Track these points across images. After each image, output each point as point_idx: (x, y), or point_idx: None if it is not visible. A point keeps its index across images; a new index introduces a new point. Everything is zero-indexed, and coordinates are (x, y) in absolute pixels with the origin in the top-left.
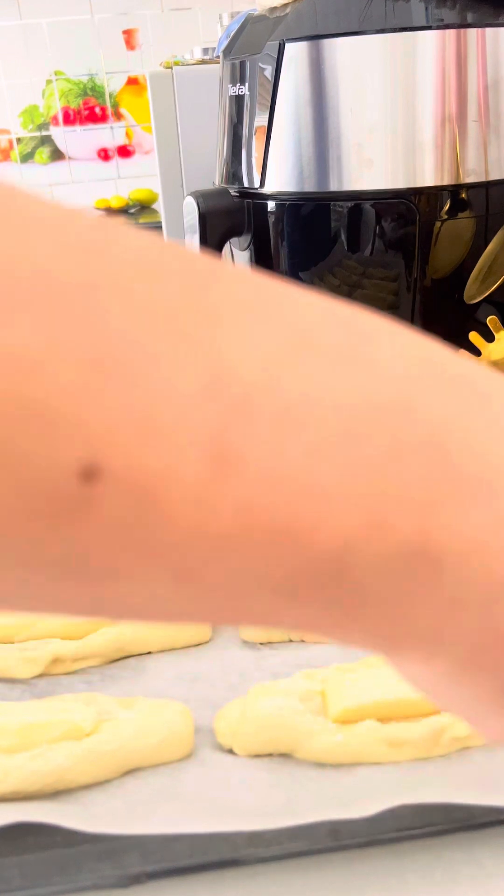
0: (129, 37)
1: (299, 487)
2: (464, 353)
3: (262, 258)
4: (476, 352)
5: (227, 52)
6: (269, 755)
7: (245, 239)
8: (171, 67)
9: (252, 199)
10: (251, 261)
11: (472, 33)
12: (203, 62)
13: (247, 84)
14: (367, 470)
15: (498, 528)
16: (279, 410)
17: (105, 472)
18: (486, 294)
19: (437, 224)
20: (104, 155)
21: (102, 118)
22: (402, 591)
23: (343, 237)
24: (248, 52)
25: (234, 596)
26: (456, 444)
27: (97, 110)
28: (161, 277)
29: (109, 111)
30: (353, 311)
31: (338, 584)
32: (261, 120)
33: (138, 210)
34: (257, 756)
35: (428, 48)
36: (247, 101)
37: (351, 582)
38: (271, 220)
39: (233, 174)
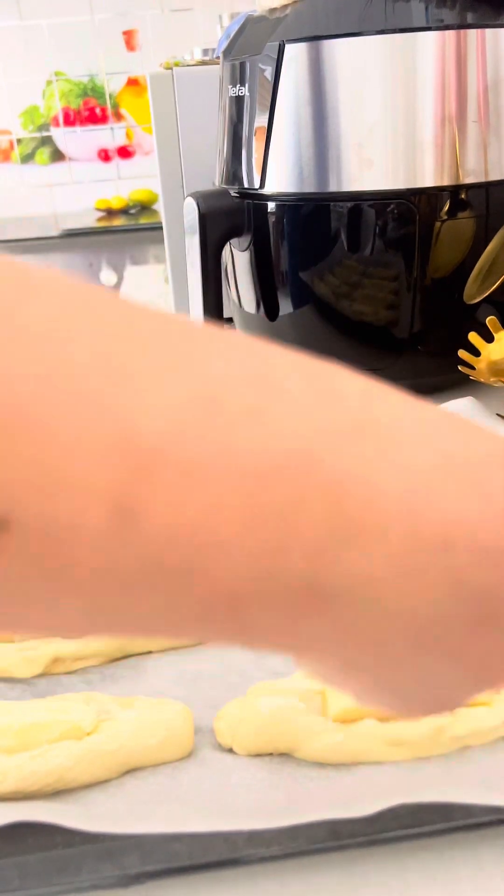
0: (129, 37)
1: (197, 540)
2: (463, 353)
3: (262, 259)
4: (475, 352)
5: (227, 52)
6: (269, 755)
7: (245, 240)
8: (171, 68)
9: (252, 200)
10: (251, 261)
11: (472, 34)
12: (203, 63)
13: (247, 85)
14: (262, 523)
15: (387, 565)
16: (182, 468)
17: (14, 523)
18: (486, 294)
19: (437, 224)
20: (104, 155)
21: (103, 119)
22: (290, 622)
23: (343, 237)
24: (247, 53)
25: (136, 622)
26: (356, 493)
27: (97, 111)
28: (73, 338)
29: (110, 112)
30: (266, 360)
31: (233, 618)
32: (261, 121)
33: (138, 210)
34: (257, 756)
35: (428, 49)
36: (247, 101)
37: (244, 616)
38: (271, 220)
39: (233, 175)
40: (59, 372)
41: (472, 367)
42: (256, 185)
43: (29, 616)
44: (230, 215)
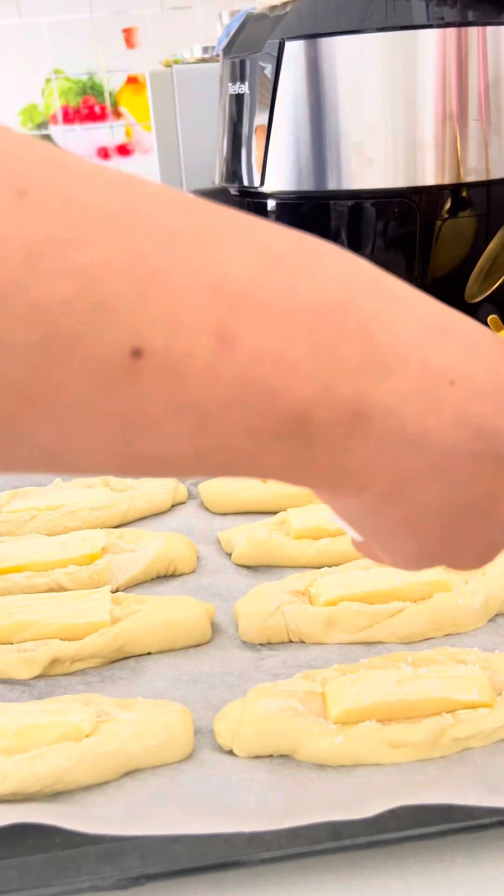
0: (128, 35)
1: (276, 362)
2: None
3: None
4: None
5: (227, 50)
6: (270, 756)
7: None
8: (170, 66)
9: (252, 198)
10: None
11: (473, 32)
12: (203, 61)
13: (247, 83)
14: (320, 350)
15: (408, 394)
16: (262, 306)
17: (147, 352)
18: (487, 293)
19: (438, 223)
20: (104, 154)
21: (102, 117)
22: (342, 438)
23: (343, 236)
24: (248, 51)
25: (233, 443)
26: (380, 333)
27: (97, 109)
28: (176, 211)
29: (109, 110)
30: (304, 236)
31: (300, 432)
32: (261, 119)
33: None
34: (257, 757)
35: (429, 47)
36: (247, 99)
37: (309, 432)
38: (271, 219)
39: (233, 173)
40: (171, 235)
41: None
42: (256, 183)
43: (150, 442)
44: None
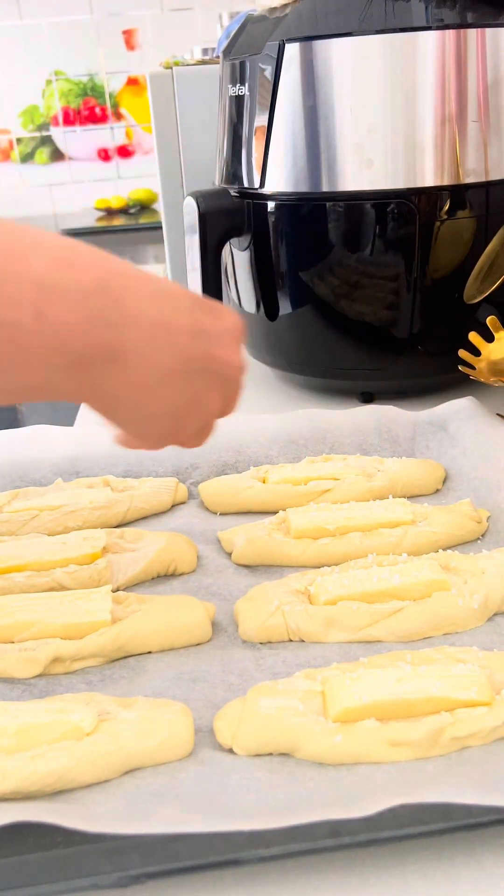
0: (128, 37)
1: (68, 327)
2: (463, 353)
3: (262, 258)
4: (476, 352)
5: (227, 52)
6: (269, 755)
7: (245, 239)
8: (170, 67)
9: (252, 200)
10: (251, 261)
11: (472, 33)
12: (203, 62)
13: (246, 84)
14: (92, 316)
15: (142, 340)
16: (68, 292)
17: (44, 314)
18: (486, 294)
19: (437, 224)
20: (104, 155)
21: (102, 118)
22: (105, 366)
23: (343, 237)
24: (247, 53)
25: (48, 375)
26: (126, 303)
27: (97, 110)
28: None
29: (109, 111)
30: (77, 242)
31: (82, 365)
32: (260, 120)
33: (138, 210)
34: (257, 756)
35: (428, 48)
36: (246, 101)
37: (85, 364)
38: (271, 220)
39: (233, 174)
40: (5, 255)
41: (473, 367)
42: (256, 184)
43: (5, 381)
44: (230, 215)
